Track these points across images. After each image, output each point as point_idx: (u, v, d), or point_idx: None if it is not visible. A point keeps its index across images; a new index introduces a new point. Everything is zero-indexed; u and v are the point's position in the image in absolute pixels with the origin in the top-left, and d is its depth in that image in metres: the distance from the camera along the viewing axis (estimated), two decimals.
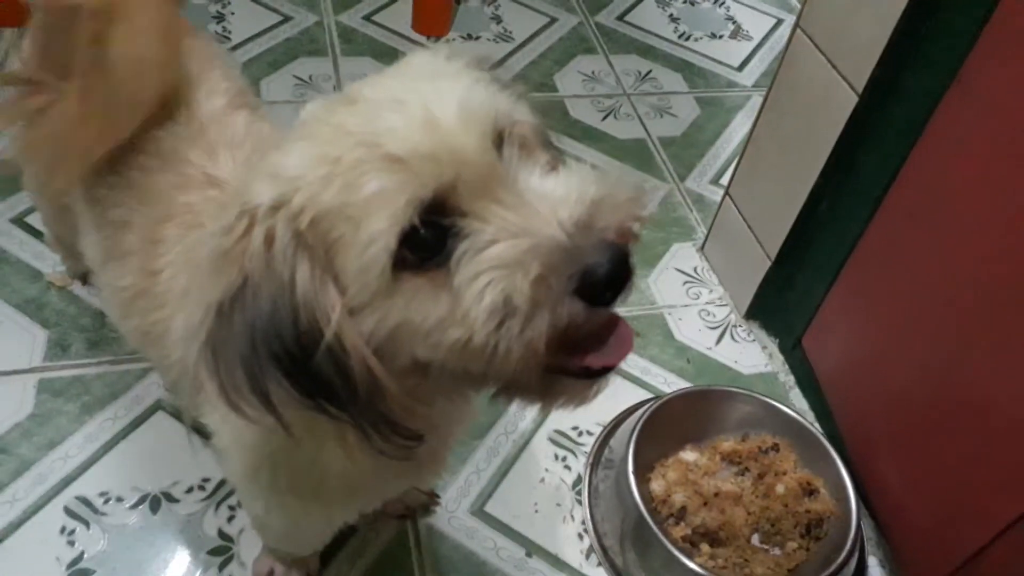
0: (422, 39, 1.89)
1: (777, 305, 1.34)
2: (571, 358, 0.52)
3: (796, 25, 1.18)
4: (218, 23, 1.81)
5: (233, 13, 1.85)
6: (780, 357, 1.35)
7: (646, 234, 1.53)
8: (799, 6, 1.18)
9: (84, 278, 1.26)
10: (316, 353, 0.49)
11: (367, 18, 1.92)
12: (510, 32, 1.98)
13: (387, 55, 1.83)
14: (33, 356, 1.17)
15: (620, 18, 2.10)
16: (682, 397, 1.15)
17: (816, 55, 1.14)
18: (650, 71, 1.94)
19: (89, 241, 0.85)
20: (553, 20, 2.04)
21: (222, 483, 1.07)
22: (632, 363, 1.30)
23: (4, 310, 1.22)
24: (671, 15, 2.13)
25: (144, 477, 1.06)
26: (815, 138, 1.16)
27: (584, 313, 0.49)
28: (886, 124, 1.07)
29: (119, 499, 1.04)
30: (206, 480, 1.07)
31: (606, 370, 0.54)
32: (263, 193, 0.50)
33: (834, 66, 1.12)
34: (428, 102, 0.49)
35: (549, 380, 0.53)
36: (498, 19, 2.01)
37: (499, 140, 0.51)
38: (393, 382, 0.52)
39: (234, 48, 1.75)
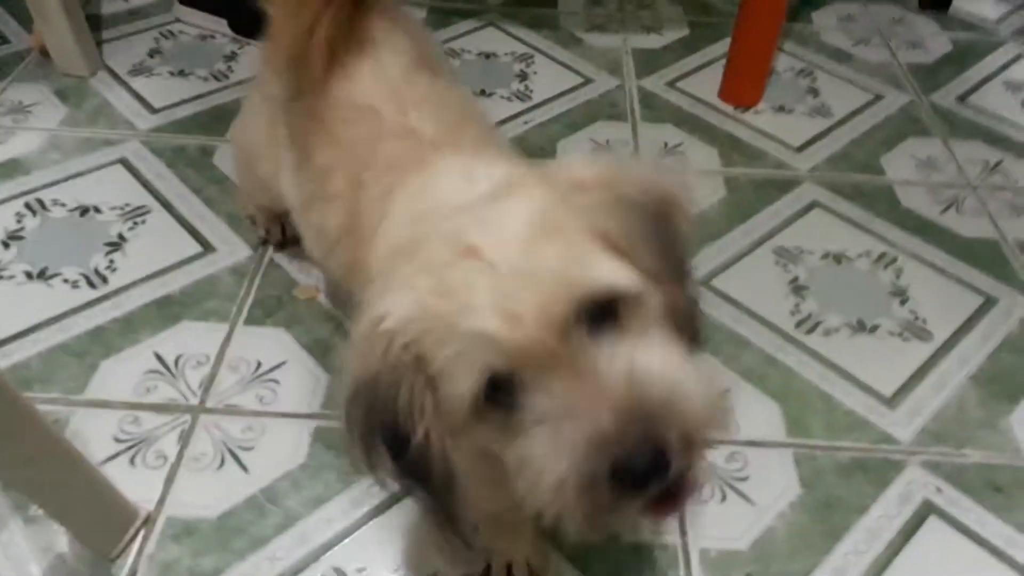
0: (729, 109, 1.73)
1: None
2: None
3: None
4: (520, 81, 1.78)
5: (536, 72, 1.81)
6: None
7: (1012, 361, 1.23)
8: None
9: (282, 244, 1.34)
10: (410, 447, 0.60)
11: (671, 84, 1.80)
12: (828, 107, 1.76)
13: (689, 122, 1.69)
14: (312, 401, 1.13)
15: (961, 99, 1.81)
16: None
17: None
18: (1000, 161, 1.63)
19: (291, 182, 0.97)
20: (878, 97, 1.80)
21: None
22: (994, 530, 1.01)
23: (292, 347, 1.20)
24: (1023, 101, 1.80)
25: (403, 558, 0.96)
26: None
27: (617, 498, 0.54)
28: None
29: None
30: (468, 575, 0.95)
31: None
32: (389, 308, 0.59)
33: None
34: (509, 294, 0.54)
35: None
36: (815, 92, 1.80)
37: (592, 309, 0.55)
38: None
39: (534, 107, 1.71)
